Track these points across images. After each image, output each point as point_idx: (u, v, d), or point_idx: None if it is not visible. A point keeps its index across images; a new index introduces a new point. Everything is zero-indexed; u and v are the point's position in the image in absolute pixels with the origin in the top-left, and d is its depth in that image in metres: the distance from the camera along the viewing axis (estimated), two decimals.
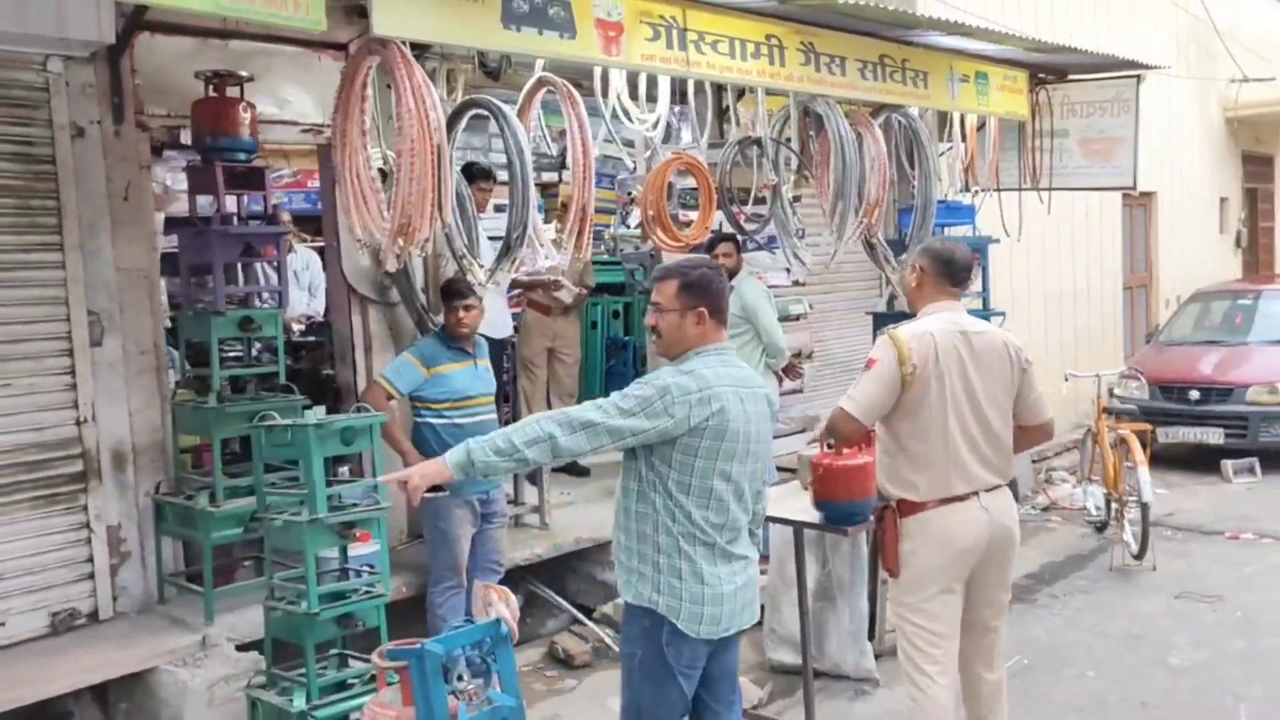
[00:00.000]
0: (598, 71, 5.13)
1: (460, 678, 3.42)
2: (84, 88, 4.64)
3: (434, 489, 3.11)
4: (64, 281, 4.61)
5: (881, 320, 6.90)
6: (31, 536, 4.55)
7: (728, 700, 3.28)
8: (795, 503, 4.75)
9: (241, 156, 4.75)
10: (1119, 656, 5.20)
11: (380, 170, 4.63)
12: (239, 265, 4.99)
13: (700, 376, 3.02)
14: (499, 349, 6.06)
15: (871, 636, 5.23)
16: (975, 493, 3.64)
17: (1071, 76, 7.76)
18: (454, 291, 4.88)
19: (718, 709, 3.24)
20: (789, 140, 5.91)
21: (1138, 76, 7.82)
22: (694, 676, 3.12)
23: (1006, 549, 3.76)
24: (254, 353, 5.06)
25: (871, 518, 4.04)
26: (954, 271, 3.82)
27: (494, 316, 5.94)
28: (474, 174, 5.52)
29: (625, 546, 3.16)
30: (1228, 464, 8.92)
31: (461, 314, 4.85)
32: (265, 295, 5.12)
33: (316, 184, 7.47)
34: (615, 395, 3.05)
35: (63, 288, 4.61)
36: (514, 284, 6.21)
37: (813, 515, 4.55)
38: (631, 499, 3.11)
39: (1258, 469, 8.90)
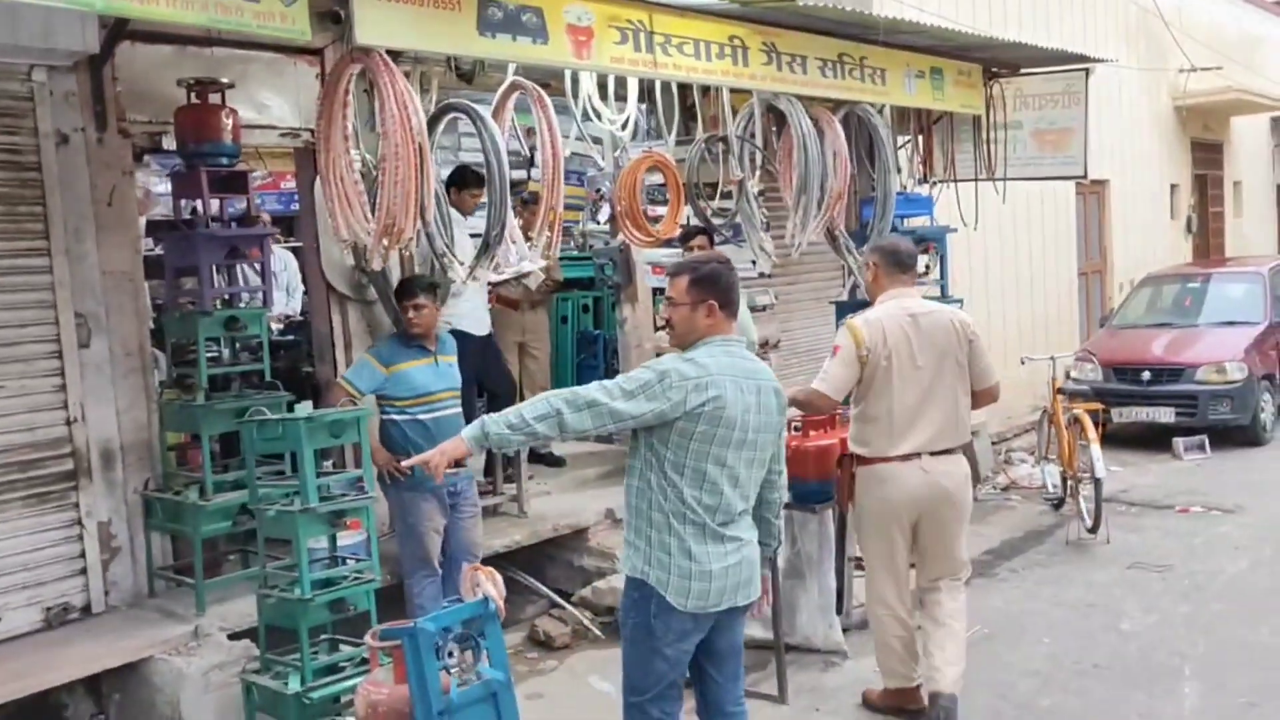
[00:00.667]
0: (569, 73, 5.30)
1: (451, 654, 3.61)
2: (67, 96, 4.75)
3: (457, 464, 3.32)
4: (52, 285, 4.73)
5: (844, 309, 7.14)
6: (25, 534, 4.67)
7: (732, 673, 3.41)
8: None
9: (224, 161, 4.88)
10: (1073, 624, 5.48)
11: (360, 172, 4.81)
12: (224, 266, 5.10)
13: (701, 365, 3.17)
14: (483, 345, 6.20)
15: (840, 611, 5.46)
16: (918, 454, 4.20)
17: (1024, 70, 8.02)
18: (406, 291, 4.99)
19: (721, 681, 3.39)
20: (753, 136, 6.12)
21: (1086, 69, 8.11)
22: (684, 649, 3.25)
23: (944, 509, 4.29)
24: (237, 351, 5.19)
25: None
26: (901, 261, 4.43)
27: (475, 313, 6.11)
28: (467, 180, 5.66)
29: (627, 521, 3.36)
30: (1179, 442, 9.26)
31: (411, 314, 4.93)
32: (249, 295, 5.24)
33: (289, 185, 7.61)
34: (620, 377, 3.23)
35: (50, 291, 4.73)
36: None
37: None
38: (634, 476, 3.29)
39: (1207, 446, 9.24)
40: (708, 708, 3.43)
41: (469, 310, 6.03)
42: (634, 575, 3.28)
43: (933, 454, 4.23)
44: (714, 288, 3.25)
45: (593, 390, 3.18)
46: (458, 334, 6.08)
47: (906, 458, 4.20)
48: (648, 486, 3.25)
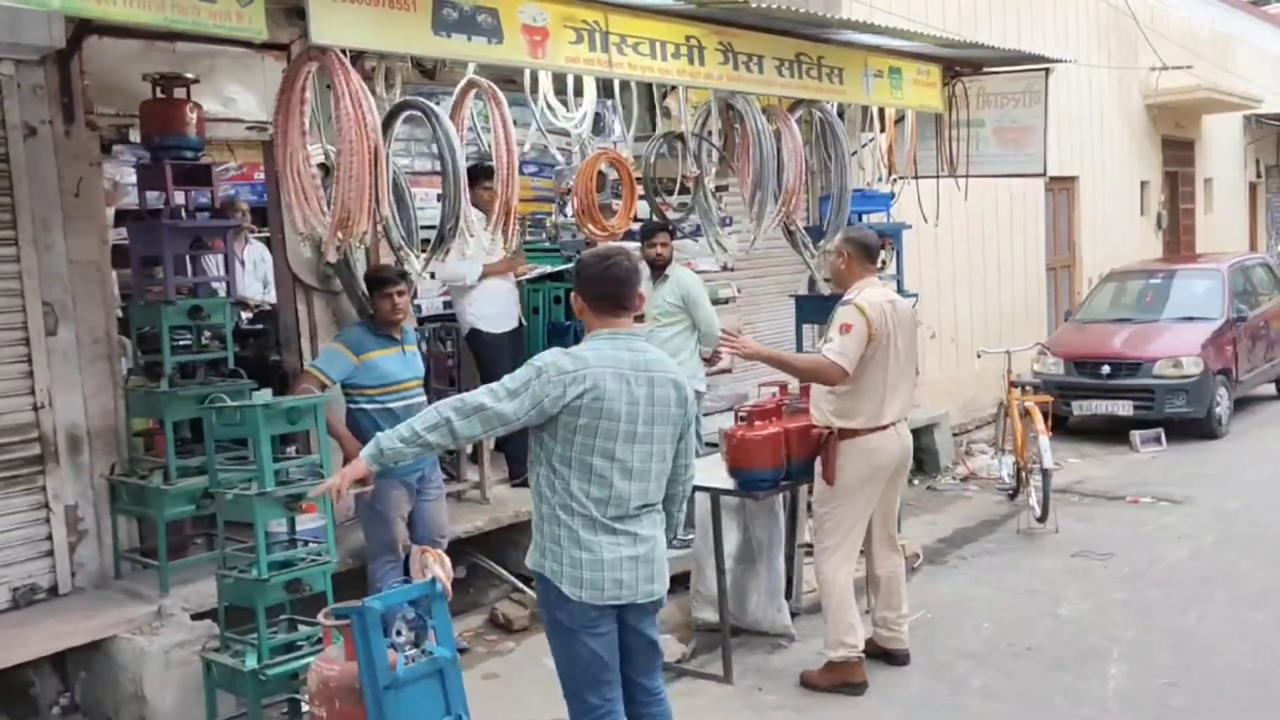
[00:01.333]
0: (527, 71, 5.43)
1: (399, 633, 3.76)
2: (35, 89, 4.88)
3: (359, 484, 3.37)
4: (19, 274, 4.86)
5: (804, 302, 7.31)
6: None
7: (645, 669, 3.43)
8: (715, 473, 5.16)
9: (189, 154, 5.01)
10: (1014, 608, 5.67)
11: (322, 165, 4.94)
12: (188, 257, 5.23)
13: (580, 358, 3.20)
14: (509, 341, 6.37)
15: (789, 596, 5.64)
16: (894, 423, 4.77)
17: (985, 70, 8.17)
18: (383, 280, 5.07)
19: (634, 677, 3.41)
20: (710, 134, 6.27)
21: (1046, 69, 8.26)
22: (601, 636, 3.27)
23: (903, 468, 4.94)
24: (203, 340, 5.31)
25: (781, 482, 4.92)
26: (872, 252, 4.96)
27: (492, 310, 6.26)
28: (478, 173, 5.80)
29: (533, 515, 3.43)
30: (1135, 435, 9.47)
31: (396, 299, 5.03)
32: (213, 284, 5.36)
33: (262, 176, 7.71)
34: (506, 377, 3.22)
35: (18, 280, 4.86)
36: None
37: (730, 483, 4.98)
38: (534, 471, 3.34)
39: (1163, 439, 9.46)
40: (626, 700, 3.46)
41: (486, 310, 6.26)
42: (535, 568, 3.35)
43: (899, 421, 4.81)
44: (591, 283, 3.29)
45: (480, 395, 3.19)
46: (475, 334, 6.21)
47: (886, 427, 4.72)
48: (539, 480, 3.29)
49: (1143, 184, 14.95)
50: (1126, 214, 14.48)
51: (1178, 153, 16.20)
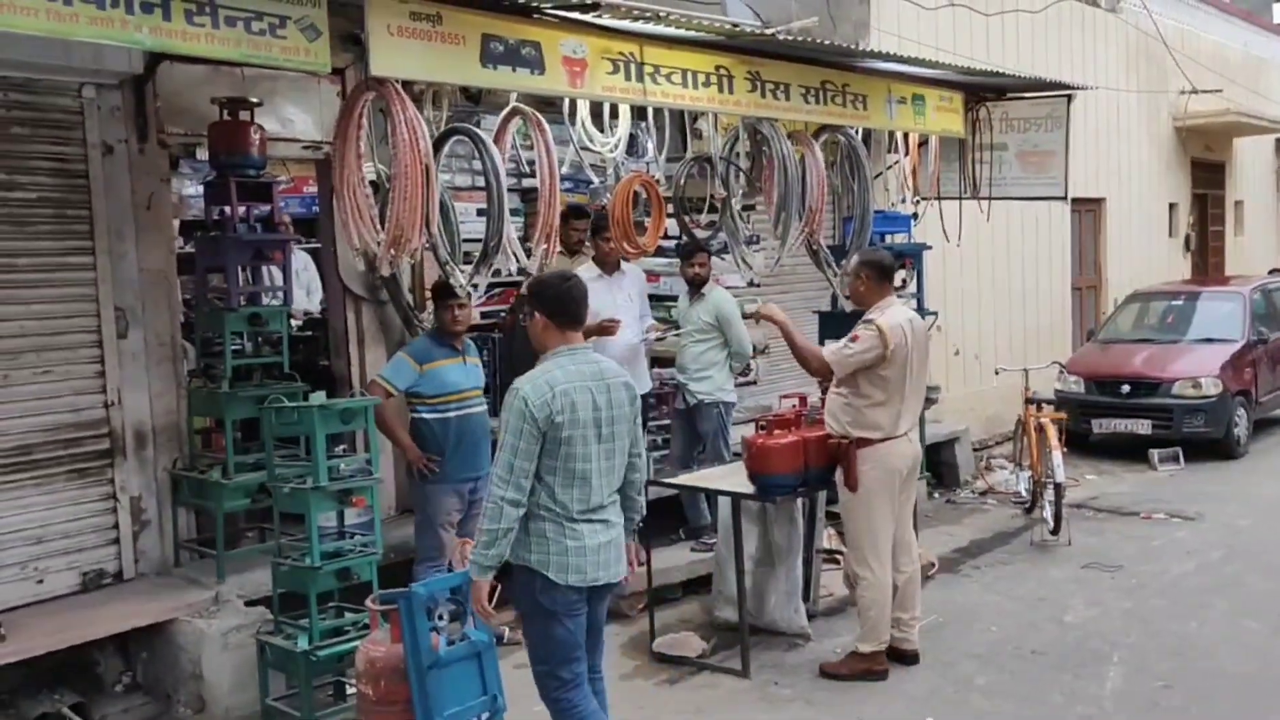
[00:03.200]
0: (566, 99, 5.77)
1: (441, 617, 4.10)
2: (113, 110, 5.28)
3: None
4: (95, 281, 5.25)
5: (827, 318, 7.59)
6: (66, 505, 5.19)
7: (593, 645, 3.83)
8: (737, 478, 5.47)
9: (251, 172, 5.39)
10: (1022, 615, 5.91)
11: (373, 183, 5.30)
12: (249, 267, 5.60)
13: (551, 378, 3.58)
14: None
15: (807, 598, 5.91)
16: (908, 432, 5.09)
17: (1009, 95, 8.43)
18: (447, 291, 5.29)
19: (588, 657, 3.81)
20: (738, 157, 6.59)
21: (1068, 95, 8.50)
22: (577, 617, 3.66)
23: (916, 468, 5.30)
24: (260, 345, 5.68)
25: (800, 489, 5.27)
26: (887, 272, 5.28)
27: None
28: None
29: None
30: (1154, 453, 9.65)
31: (456, 312, 5.30)
32: (272, 293, 5.74)
33: (311, 189, 8.11)
34: (506, 432, 3.55)
35: (94, 287, 5.25)
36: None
37: (750, 488, 5.29)
38: None
39: (1181, 458, 9.63)
40: None
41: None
42: (517, 562, 3.67)
43: (913, 430, 5.18)
44: (551, 303, 3.69)
45: (502, 460, 3.53)
46: None
47: (899, 436, 5.05)
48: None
49: (1171, 206, 15.07)
50: (1154, 236, 14.61)
51: (1208, 175, 16.29)
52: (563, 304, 3.70)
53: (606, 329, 5.93)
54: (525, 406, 3.53)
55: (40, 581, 5.09)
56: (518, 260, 5.21)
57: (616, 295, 6.22)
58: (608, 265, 6.13)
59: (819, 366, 5.10)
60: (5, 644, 4.57)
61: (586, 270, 6.14)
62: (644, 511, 3.93)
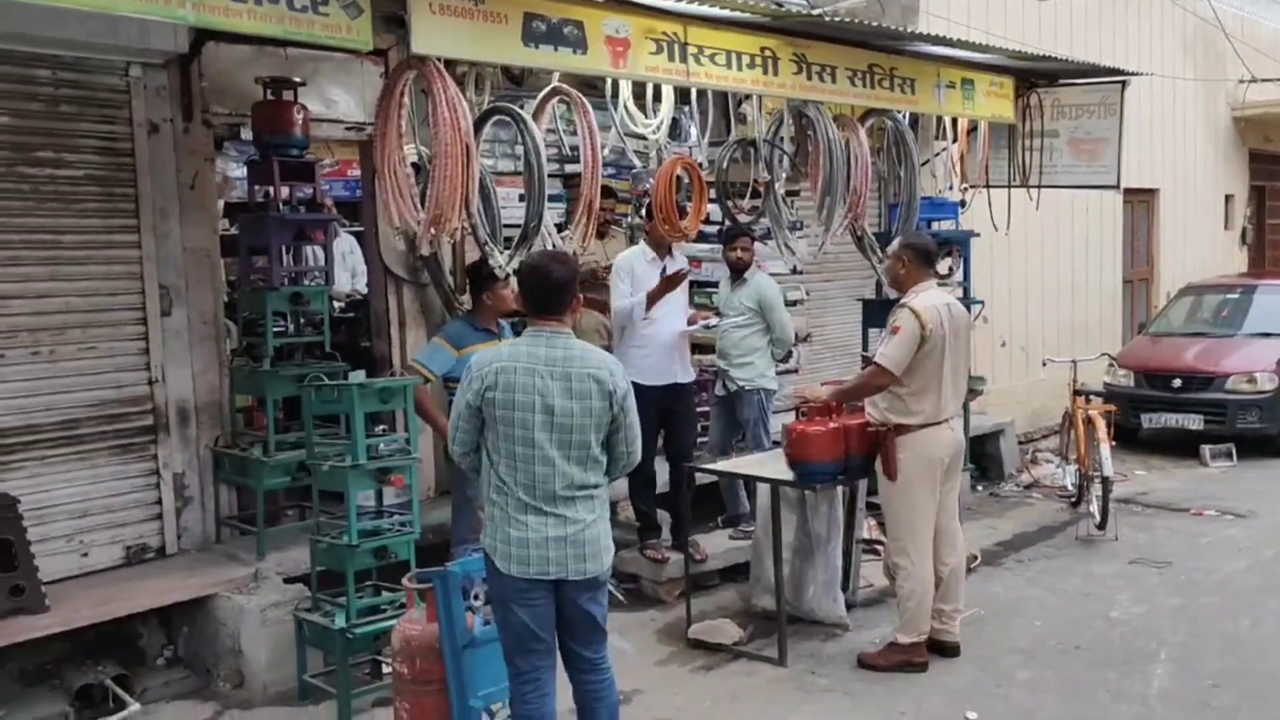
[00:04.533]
0: (608, 79, 5.73)
1: (476, 597, 4.09)
2: (159, 90, 5.33)
3: None
4: (140, 259, 5.31)
5: (870, 305, 7.49)
6: (110, 480, 5.27)
7: (584, 641, 3.67)
8: (776, 465, 5.41)
9: (294, 152, 5.41)
10: (1066, 610, 5.79)
11: (414, 164, 5.29)
12: (291, 247, 5.62)
13: (498, 353, 3.59)
14: (663, 397, 5.96)
15: (846, 588, 5.84)
16: (948, 419, 4.99)
17: (1061, 81, 8.25)
18: (486, 274, 5.22)
19: (574, 648, 3.69)
20: (782, 141, 6.50)
21: (1123, 82, 8.31)
22: (532, 607, 3.53)
23: (959, 457, 5.19)
24: (301, 324, 5.70)
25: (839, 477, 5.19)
26: (929, 258, 5.21)
27: (646, 362, 5.82)
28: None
29: None
30: (1206, 449, 9.43)
31: (504, 292, 5.23)
32: (313, 274, 5.76)
33: (355, 172, 8.14)
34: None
35: (138, 264, 5.31)
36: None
37: (789, 475, 5.23)
38: (480, 456, 3.67)
39: (1234, 454, 9.40)
40: (565, 664, 3.74)
41: (639, 359, 5.79)
42: (481, 544, 3.69)
43: (955, 418, 5.07)
44: (525, 286, 3.67)
45: (451, 416, 3.70)
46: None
47: (940, 423, 4.95)
48: (482, 464, 3.64)
49: (1227, 197, 14.72)
50: (1209, 228, 14.28)
51: (1267, 166, 15.88)
52: (535, 289, 3.63)
53: (674, 282, 5.82)
54: (466, 375, 3.61)
55: (85, 554, 5.18)
56: (552, 243, 5.18)
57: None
58: (662, 249, 6.07)
59: (879, 381, 4.91)
60: (50, 614, 4.64)
61: (640, 252, 6.07)
62: (621, 468, 3.75)
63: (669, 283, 5.78)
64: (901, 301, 5.00)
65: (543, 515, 3.53)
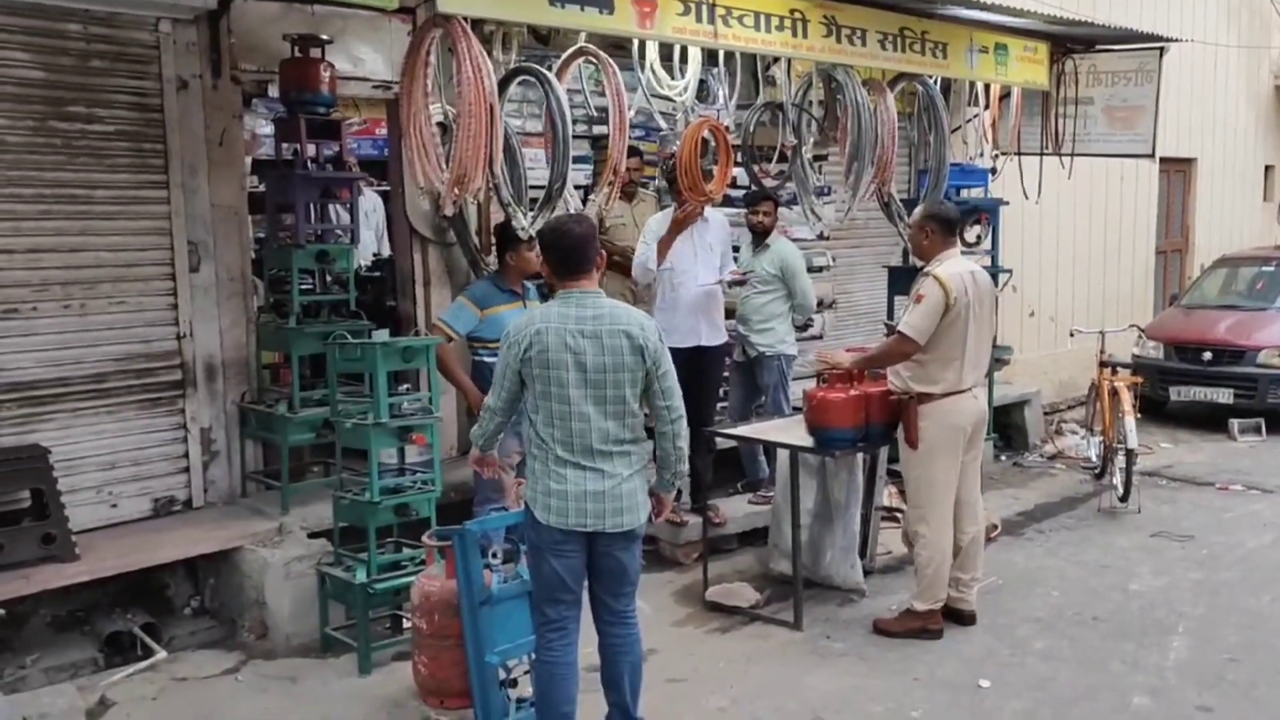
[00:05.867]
0: (635, 39, 5.68)
1: (495, 555, 4.15)
2: (188, 46, 5.34)
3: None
4: (169, 215, 5.36)
5: (896, 273, 7.44)
6: (138, 433, 5.36)
7: (612, 591, 3.77)
8: (796, 431, 5.41)
9: (321, 110, 5.42)
10: (1084, 581, 5.78)
11: (440, 124, 5.28)
12: (317, 205, 5.65)
13: (531, 316, 3.70)
14: (689, 359, 5.74)
15: (864, 555, 5.86)
16: (972, 387, 4.99)
17: (1098, 47, 8.11)
18: (512, 234, 5.18)
19: (603, 597, 3.80)
20: (810, 105, 6.43)
21: (1161, 48, 8.15)
22: (565, 558, 3.65)
23: (982, 426, 5.16)
24: (327, 282, 5.74)
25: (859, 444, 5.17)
26: (954, 226, 5.16)
27: (673, 322, 5.73)
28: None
29: None
30: (1235, 423, 9.33)
31: (528, 253, 5.14)
32: (339, 232, 5.79)
33: (383, 132, 8.15)
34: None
35: (167, 220, 5.36)
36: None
37: (809, 442, 5.23)
38: (523, 414, 3.83)
39: (1263, 429, 9.30)
40: (594, 616, 3.85)
41: (663, 320, 5.51)
42: (526, 496, 3.78)
43: (978, 386, 5.06)
44: (549, 250, 3.74)
45: (494, 377, 3.83)
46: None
47: (963, 391, 4.94)
48: (524, 420, 3.79)
49: (1267, 169, 14.46)
50: (1247, 199, 14.04)
51: None
52: (557, 253, 3.71)
53: (680, 224, 5.79)
54: (508, 334, 3.74)
55: (114, 506, 5.28)
56: (570, 207, 5.16)
57: (697, 244, 5.96)
58: (756, 236, 6.06)
59: (903, 349, 4.89)
60: (80, 563, 4.74)
61: (669, 214, 6.03)
62: (679, 466, 3.79)
63: (677, 226, 5.77)
64: (926, 270, 4.96)
65: (581, 469, 3.61)
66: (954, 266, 4.95)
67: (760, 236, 6.43)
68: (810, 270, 7.17)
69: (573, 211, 4.80)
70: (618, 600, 3.81)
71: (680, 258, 5.91)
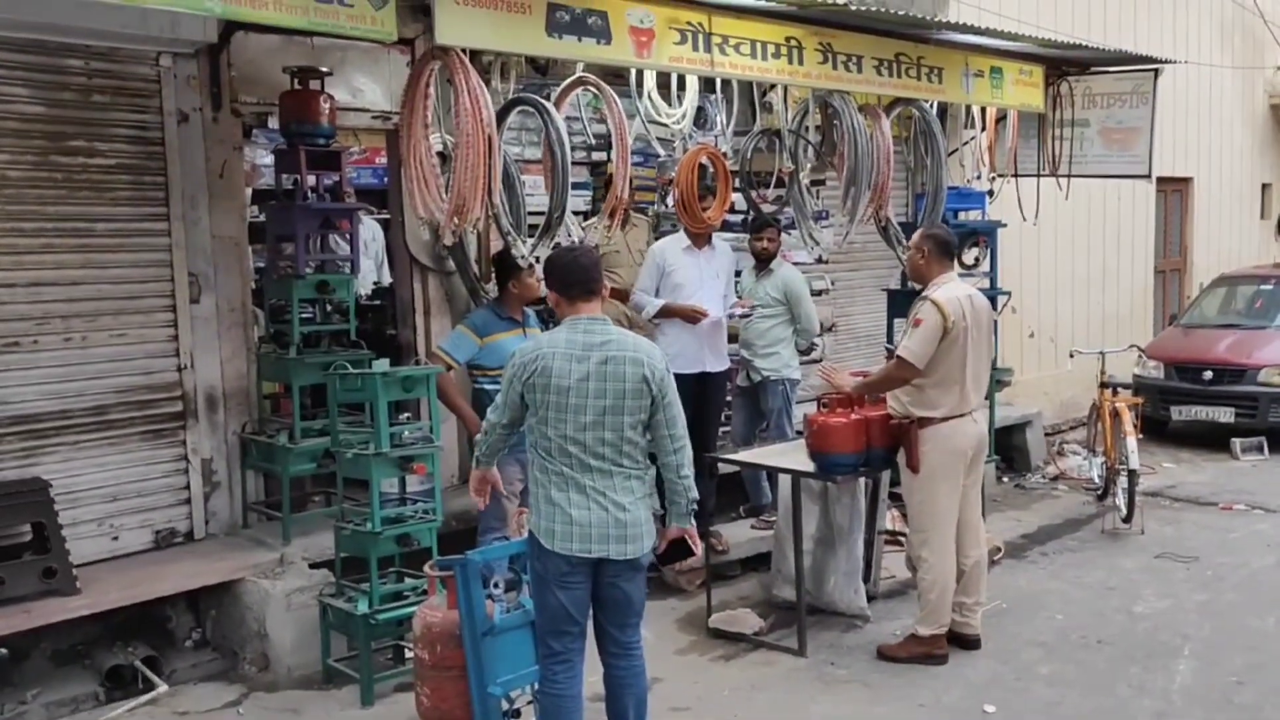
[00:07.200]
0: (633, 69, 5.72)
1: (497, 585, 4.13)
2: (188, 79, 5.38)
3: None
4: (169, 247, 5.37)
5: (895, 296, 7.45)
6: (140, 465, 5.35)
7: (617, 622, 3.77)
8: (797, 456, 5.41)
9: (321, 141, 5.45)
10: (1089, 604, 5.76)
11: (440, 153, 5.31)
12: (318, 235, 5.67)
13: (539, 341, 3.77)
14: (694, 386, 5.92)
15: (867, 580, 5.84)
16: (972, 411, 4.97)
17: (1092, 70, 8.15)
18: (512, 262, 5.22)
19: (607, 628, 3.80)
20: (807, 130, 6.47)
21: (1155, 70, 8.19)
22: (571, 589, 3.64)
23: (982, 450, 5.17)
24: (328, 312, 5.75)
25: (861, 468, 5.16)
26: (950, 249, 5.20)
27: (674, 348, 5.81)
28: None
29: None
30: (1236, 442, 9.33)
31: (530, 280, 5.18)
32: (339, 262, 5.80)
33: (383, 160, 8.19)
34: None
35: (168, 252, 5.37)
36: None
37: (811, 467, 5.23)
38: (526, 437, 3.82)
39: (1265, 448, 9.29)
40: (599, 647, 3.84)
41: (666, 346, 5.58)
42: (530, 527, 3.77)
43: (978, 409, 5.04)
44: (557, 277, 3.78)
45: (490, 411, 3.89)
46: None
47: (964, 415, 4.93)
48: (528, 445, 3.79)
49: (1264, 187, 14.51)
50: (1244, 218, 14.09)
51: None
52: (565, 279, 3.74)
53: (692, 316, 5.89)
54: (510, 364, 3.75)
55: (115, 538, 5.26)
56: (571, 235, 5.19)
57: (704, 270, 6.05)
58: (699, 239, 6.08)
59: (902, 374, 4.89)
60: (81, 596, 4.73)
61: (677, 240, 6.09)
62: (689, 495, 3.78)
63: (690, 314, 5.91)
64: (923, 294, 4.98)
65: (585, 496, 3.60)
66: (951, 290, 4.96)
67: (764, 262, 6.48)
68: (811, 294, 7.19)
69: (572, 238, 4.82)
70: (623, 631, 3.79)
71: (688, 285, 5.95)
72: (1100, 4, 10.75)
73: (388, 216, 7.36)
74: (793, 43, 5.73)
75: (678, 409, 3.73)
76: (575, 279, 3.71)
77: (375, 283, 7.77)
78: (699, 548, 4.00)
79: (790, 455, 5.56)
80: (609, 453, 3.62)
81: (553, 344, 3.67)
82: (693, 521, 3.90)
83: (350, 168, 8.59)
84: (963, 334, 4.87)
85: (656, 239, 6.52)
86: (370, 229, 7.79)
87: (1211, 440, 9.56)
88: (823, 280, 7.88)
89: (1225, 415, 9.44)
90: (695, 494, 3.83)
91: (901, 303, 7.15)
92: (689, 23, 5.21)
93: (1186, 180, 12.74)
